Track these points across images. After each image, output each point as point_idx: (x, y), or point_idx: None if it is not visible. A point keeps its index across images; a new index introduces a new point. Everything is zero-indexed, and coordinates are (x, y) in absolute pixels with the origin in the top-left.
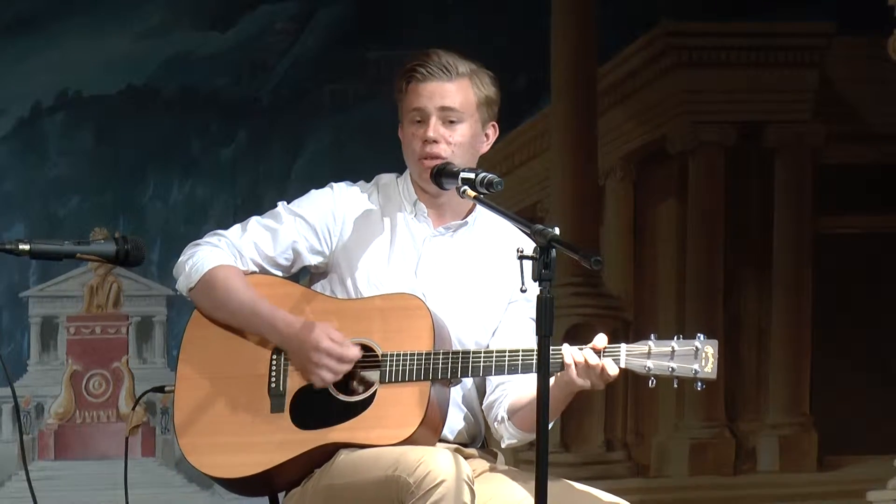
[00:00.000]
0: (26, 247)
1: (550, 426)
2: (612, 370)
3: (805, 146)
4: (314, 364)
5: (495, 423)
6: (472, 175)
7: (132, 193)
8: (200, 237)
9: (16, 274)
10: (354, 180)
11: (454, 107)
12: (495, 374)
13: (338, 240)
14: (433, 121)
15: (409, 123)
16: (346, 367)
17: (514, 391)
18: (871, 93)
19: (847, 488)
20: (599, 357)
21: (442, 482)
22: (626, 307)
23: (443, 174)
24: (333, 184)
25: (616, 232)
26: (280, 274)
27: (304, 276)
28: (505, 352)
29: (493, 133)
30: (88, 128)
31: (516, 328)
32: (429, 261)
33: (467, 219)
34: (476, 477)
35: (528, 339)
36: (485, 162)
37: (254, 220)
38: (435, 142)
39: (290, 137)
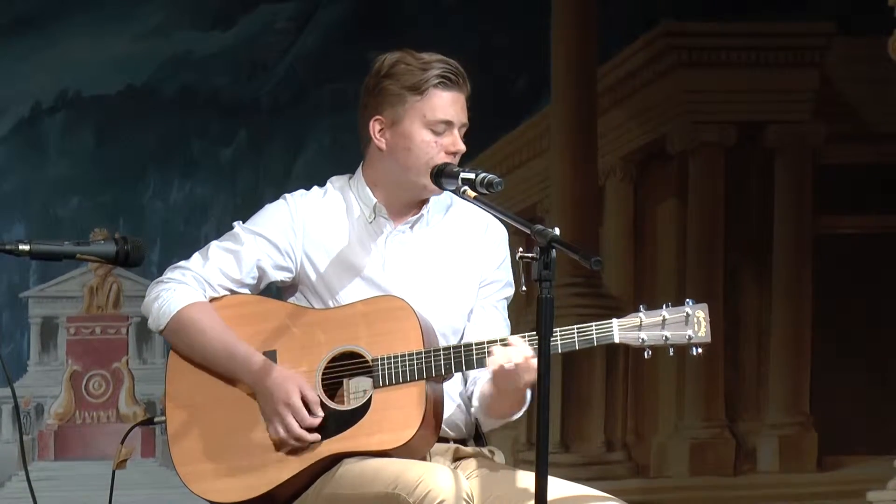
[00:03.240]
0: (26, 247)
1: (515, 416)
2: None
3: (805, 146)
4: (278, 417)
5: (471, 409)
6: (472, 175)
7: (132, 193)
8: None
9: (16, 274)
10: None
11: (466, 121)
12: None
13: (301, 253)
14: (456, 133)
15: (424, 129)
16: (304, 436)
17: (485, 377)
18: (871, 93)
19: (847, 488)
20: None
21: (442, 502)
22: (626, 307)
23: (443, 174)
24: (287, 195)
25: (616, 232)
26: (248, 293)
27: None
28: (496, 342)
29: None
30: (88, 128)
31: (490, 310)
32: (394, 259)
33: (421, 212)
34: (475, 476)
35: (502, 320)
36: (485, 162)
37: (214, 245)
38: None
39: (290, 137)
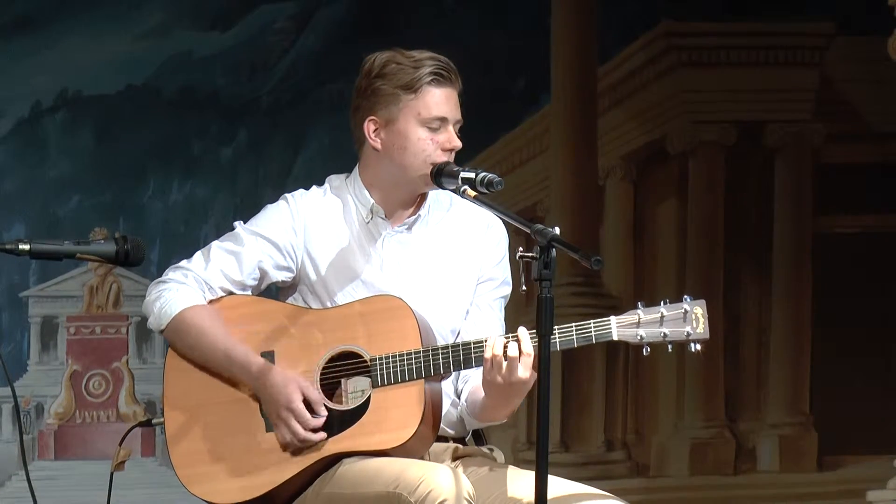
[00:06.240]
0: (26, 247)
1: (500, 420)
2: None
3: (805, 146)
4: (282, 422)
5: (458, 407)
6: (472, 174)
7: (132, 193)
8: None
9: (16, 274)
10: None
11: (461, 118)
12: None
13: (302, 253)
14: (451, 129)
15: (420, 127)
16: (311, 438)
17: (476, 377)
18: (871, 93)
19: (847, 488)
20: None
21: (443, 501)
22: (625, 307)
23: (442, 174)
24: (287, 195)
25: (616, 232)
26: (249, 294)
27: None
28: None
29: None
30: (88, 128)
31: (486, 308)
32: (392, 258)
33: (419, 212)
34: (475, 476)
35: (497, 319)
36: (485, 162)
37: (215, 246)
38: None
39: (290, 137)
